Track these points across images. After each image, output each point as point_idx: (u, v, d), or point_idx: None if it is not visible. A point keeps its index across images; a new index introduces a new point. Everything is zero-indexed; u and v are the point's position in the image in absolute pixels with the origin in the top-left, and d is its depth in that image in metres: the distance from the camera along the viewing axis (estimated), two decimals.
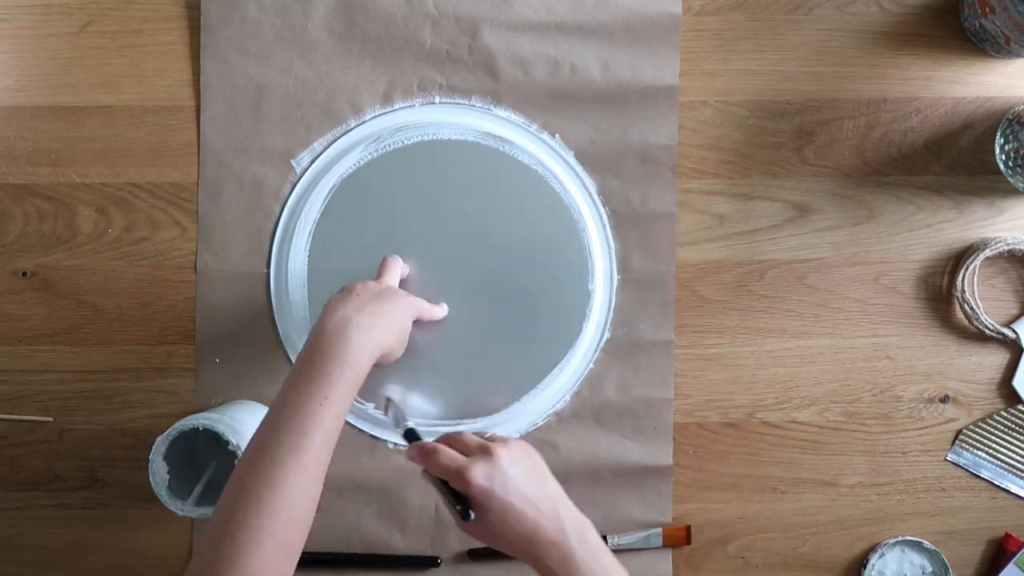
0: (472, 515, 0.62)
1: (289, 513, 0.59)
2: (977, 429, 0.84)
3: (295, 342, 0.82)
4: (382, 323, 0.68)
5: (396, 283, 0.77)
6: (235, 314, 0.82)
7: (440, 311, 0.80)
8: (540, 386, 0.82)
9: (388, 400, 0.74)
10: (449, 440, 0.66)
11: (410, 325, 0.75)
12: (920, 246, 0.84)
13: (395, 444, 0.82)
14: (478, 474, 0.62)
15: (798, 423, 0.84)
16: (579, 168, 0.83)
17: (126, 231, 0.83)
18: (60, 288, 0.83)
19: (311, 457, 0.61)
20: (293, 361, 0.82)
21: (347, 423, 0.82)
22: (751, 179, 0.84)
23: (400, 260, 0.79)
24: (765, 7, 0.84)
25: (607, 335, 0.83)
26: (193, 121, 0.83)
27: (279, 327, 0.82)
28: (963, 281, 0.82)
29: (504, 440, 0.65)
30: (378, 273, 0.77)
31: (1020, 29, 0.77)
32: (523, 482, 0.63)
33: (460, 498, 0.63)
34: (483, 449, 0.63)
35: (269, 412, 0.64)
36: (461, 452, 0.64)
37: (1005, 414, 0.84)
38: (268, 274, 0.82)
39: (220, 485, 0.76)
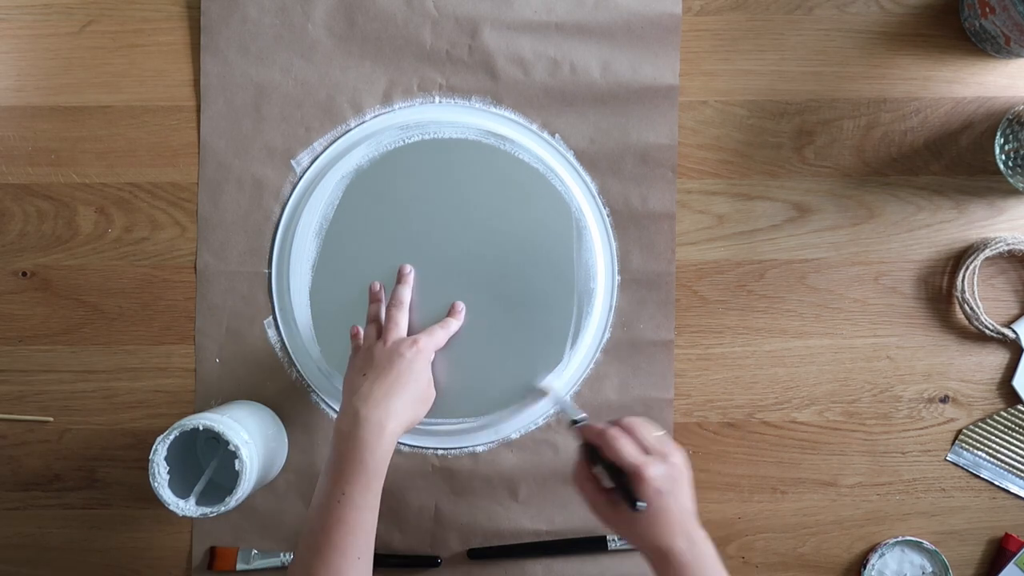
0: (642, 505, 0.65)
1: None
2: (977, 429, 0.84)
3: (294, 342, 0.82)
4: (394, 406, 0.71)
5: (405, 320, 0.78)
6: (235, 314, 0.82)
7: (455, 323, 0.80)
8: (551, 378, 0.82)
9: (546, 392, 0.77)
10: (627, 429, 0.68)
11: (429, 373, 0.76)
12: (920, 246, 0.84)
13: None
14: (657, 476, 0.65)
15: (798, 423, 0.84)
16: (579, 168, 0.83)
17: (126, 231, 0.83)
18: (60, 288, 0.83)
19: (336, 551, 0.66)
20: (293, 361, 0.83)
21: None
22: (751, 179, 0.84)
23: (412, 276, 0.81)
24: (765, 7, 0.84)
25: (607, 335, 0.83)
26: (193, 121, 0.83)
27: (280, 327, 0.82)
28: (963, 281, 0.82)
29: (677, 447, 0.68)
30: (389, 302, 0.79)
31: (1020, 29, 0.77)
32: (684, 494, 0.67)
33: (624, 487, 0.66)
34: (661, 452, 0.67)
35: (309, 507, 0.70)
36: (639, 445, 0.67)
37: (1005, 414, 0.84)
38: (269, 274, 0.82)
39: (220, 485, 0.76)
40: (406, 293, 0.80)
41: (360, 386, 0.72)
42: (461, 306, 0.81)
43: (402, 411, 0.72)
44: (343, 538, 0.67)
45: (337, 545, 0.66)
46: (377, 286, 0.81)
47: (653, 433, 0.69)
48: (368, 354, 0.75)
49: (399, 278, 0.81)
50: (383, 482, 0.70)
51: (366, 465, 0.69)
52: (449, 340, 0.80)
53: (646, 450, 0.67)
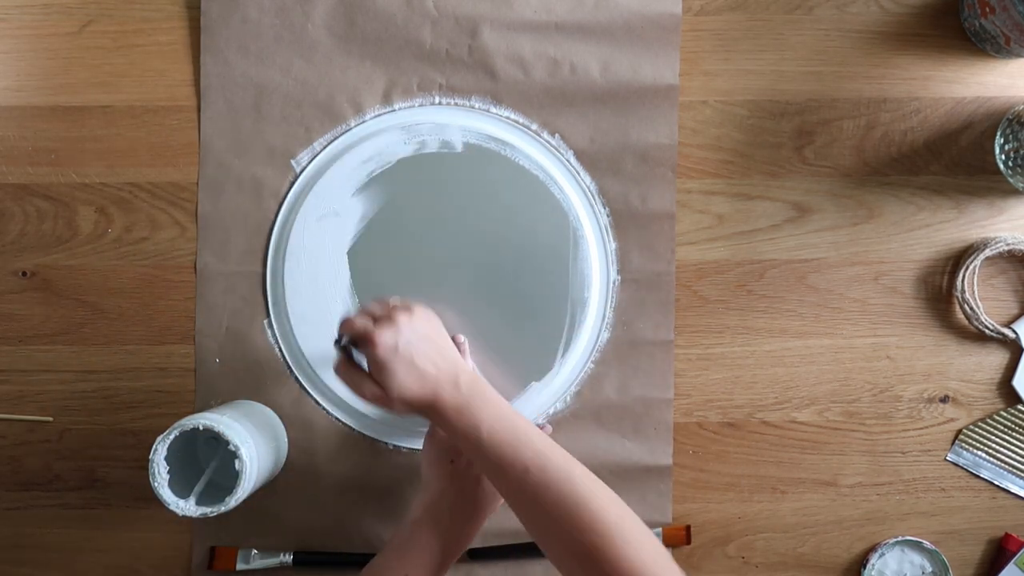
0: (370, 361, 0.67)
1: None
2: (977, 429, 0.84)
3: (291, 342, 0.82)
4: (476, 512, 0.75)
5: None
6: (235, 314, 0.82)
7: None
8: (539, 386, 0.82)
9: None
10: (361, 309, 0.72)
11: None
12: (920, 246, 0.84)
13: (395, 445, 0.82)
14: (384, 336, 0.67)
15: (798, 423, 0.84)
16: (579, 168, 0.83)
17: (126, 231, 0.83)
18: (60, 288, 0.83)
19: None
20: (290, 361, 0.82)
21: (346, 424, 0.82)
22: (751, 179, 0.84)
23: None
24: (765, 7, 0.84)
25: (607, 335, 0.83)
26: (193, 121, 0.83)
27: (275, 327, 0.82)
28: (963, 281, 0.82)
29: (407, 306, 0.70)
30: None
31: (1020, 29, 0.77)
32: (423, 343, 0.68)
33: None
34: (388, 315, 0.69)
35: (364, 571, 0.72)
36: (370, 317, 0.70)
37: (1005, 414, 0.84)
38: (264, 273, 0.82)
39: (220, 485, 0.76)
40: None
41: (446, 480, 0.75)
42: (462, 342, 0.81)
43: (481, 512, 0.75)
44: None
45: None
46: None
47: (388, 301, 0.71)
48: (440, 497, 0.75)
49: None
50: (447, 571, 0.73)
51: (435, 557, 0.72)
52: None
53: (376, 320, 0.69)
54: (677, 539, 0.82)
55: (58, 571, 0.83)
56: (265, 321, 0.82)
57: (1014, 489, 0.84)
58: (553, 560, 0.66)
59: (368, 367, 0.69)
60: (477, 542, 0.82)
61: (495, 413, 0.68)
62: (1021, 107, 0.82)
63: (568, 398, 0.83)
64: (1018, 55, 0.82)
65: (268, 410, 0.82)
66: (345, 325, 0.70)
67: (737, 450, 0.84)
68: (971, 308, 0.82)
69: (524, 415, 0.82)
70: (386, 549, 0.72)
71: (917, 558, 0.83)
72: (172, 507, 0.72)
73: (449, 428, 0.69)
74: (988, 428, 0.84)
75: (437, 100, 0.83)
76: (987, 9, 0.79)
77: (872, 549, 0.83)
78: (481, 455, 0.67)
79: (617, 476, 0.82)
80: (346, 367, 0.70)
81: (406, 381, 0.67)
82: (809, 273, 0.84)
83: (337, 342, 0.71)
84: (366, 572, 0.71)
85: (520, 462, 0.66)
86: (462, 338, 0.80)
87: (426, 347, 0.68)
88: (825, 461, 0.84)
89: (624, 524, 0.63)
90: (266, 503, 0.82)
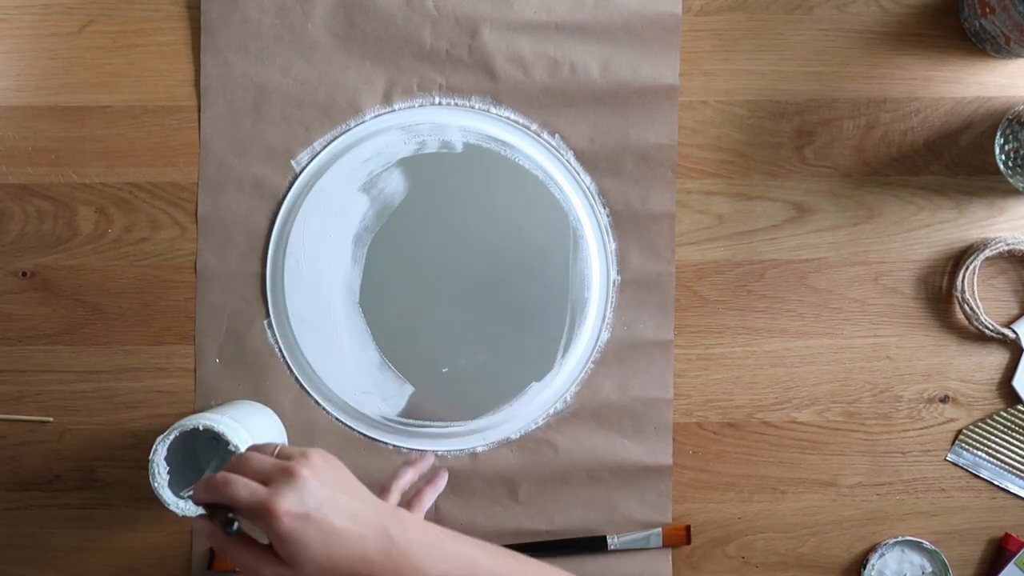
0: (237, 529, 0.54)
1: None
2: (977, 429, 0.84)
3: (291, 342, 0.82)
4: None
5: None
6: (235, 314, 0.82)
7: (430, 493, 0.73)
8: (539, 386, 0.82)
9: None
10: (234, 467, 0.55)
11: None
12: (920, 246, 0.84)
13: (395, 445, 0.82)
14: (287, 501, 0.52)
15: (798, 423, 0.84)
16: (579, 168, 0.83)
17: (126, 231, 0.83)
18: (60, 288, 0.83)
19: None
20: (290, 362, 0.82)
21: (346, 424, 0.82)
22: (751, 179, 0.84)
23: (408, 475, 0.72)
24: (765, 7, 0.84)
25: (607, 335, 0.83)
26: (193, 121, 0.83)
27: (275, 327, 0.82)
28: (963, 281, 0.82)
29: (301, 452, 0.55)
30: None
31: (1020, 29, 0.77)
32: (338, 498, 0.54)
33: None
34: (284, 472, 0.53)
35: None
36: (254, 479, 0.54)
37: (1005, 414, 0.84)
38: (263, 274, 0.82)
39: None
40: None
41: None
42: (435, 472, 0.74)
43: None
44: None
45: None
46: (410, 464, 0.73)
47: (271, 451, 0.56)
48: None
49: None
50: None
51: None
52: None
53: (266, 479, 0.53)
54: (677, 539, 0.82)
55: (58, 571, 0.83)
56: (265, 321, 0.83)
57: (1014, 489, 0.84)
58: None
59: (268, 540, 0.53)
60: None
61: (440, 555, 0.55)
62: (1021, 107, 0.82)
63: (568, 398, 0.83)
64: (1018, 55, 0.82)
65: (268, 410, 0.82)
66: (218, 492, 0.53)
67: (737, 450, 0.84)
68: (971, 308, 0.82)
69: (524, 417, 0.82)
70: None
71: (917, 558, 0.83)
72: (172, 507, 0.72)
73: None
74: (988, 428, 0.84)
75: (437, 100, 0.83)
76: (987, 9, 0.79)
77: (872, 549, 0.83)
78: None
79: (617, 476, 0.82)
80: (235, 546, 0.54)
81: (323, 552, 0.52)
82: (809, 273, 0.84)
83: (216, 517, 0.55)
84: None
85: None
86: (437, 465, 0.74)
87: (342, 501, 0.53)
88: (825, 461, 0.84)
89: None
90: None
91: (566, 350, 0.82)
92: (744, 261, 0.84)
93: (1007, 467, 0.84)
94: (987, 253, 0.82)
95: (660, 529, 0.82)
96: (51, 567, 0.83)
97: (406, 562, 0.54)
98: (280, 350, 0.83)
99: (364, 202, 0.82)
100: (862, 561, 0.84)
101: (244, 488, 0.53)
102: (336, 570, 0.53)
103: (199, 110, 0.83)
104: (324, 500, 0.53)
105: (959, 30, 0.84)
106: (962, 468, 0.84)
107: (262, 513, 0.52)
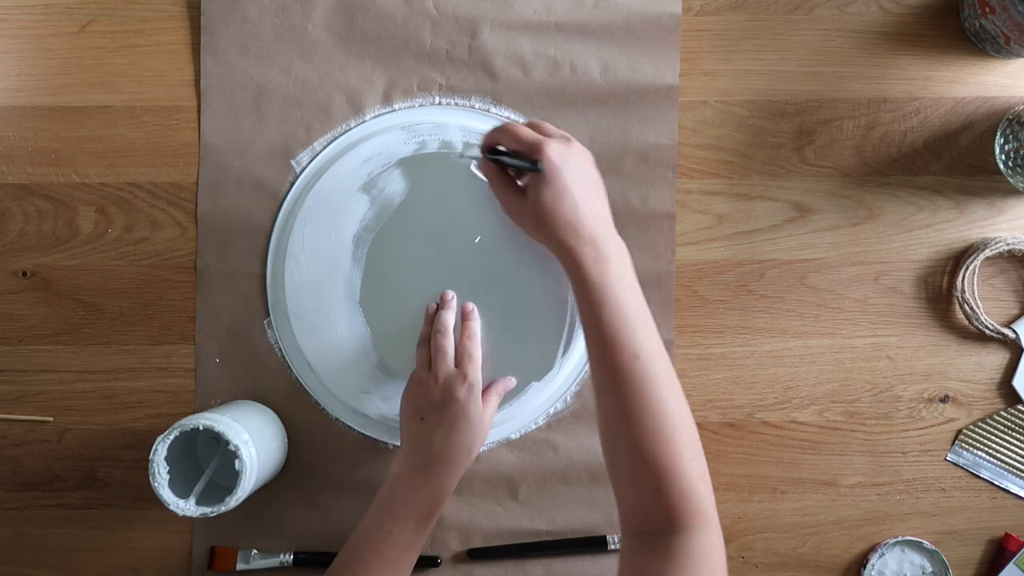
0: (543, 167, 0.67)
1: None
2: (977, 429, 0.84)
3: (291, 342, 0.82)
4: (451, 457, 0.72)
5: (451, 346, 0.77)
6: (235, 314, 0.82)
7: (474, 324, 0.79)
8: (539, 386, 0.82)
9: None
10: (530, 124, 0.71)
11: (481, 409, 0.75)
12: (920, 246, 0.84)
13: (394, 445, 0.82)
14: (555, 150, 0.67)
15: (798, 423, 0.84)
16: None
17: (126, 231, 0.83)
18: (60, 288, 0.83)
19: None
20: (290, 361, 0.82)
21: (346, 424, 0.82)
22: (751, 179, 0.84)
23: (454, 302, 0.80)
24: (765, 7, 0.84)
25: None
26: (193, 121, 0.83)
27: (275, 327, 0.82)
28: (963, 281, 0.82)
29: (571, 139, 0.70)
30: (434, 328, 0.78)
31: (1020, 29, 0.77)
32: (586, 178, 0.69)
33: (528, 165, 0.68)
34: (563, 137, 0.69)
35: (352, 535, 0.71)
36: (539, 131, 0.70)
37: (1005, 414, 0.84)
38: (263, 274, 0.82)
39: (220, 485, 0.76)
40: (449, 318, 0.79)
41: (420, 433, 0.73)
42: (451, 294, 0.80)
43: (458, 461, 0.72)
44: (379, 574, 0.69)
45: None
46: (433, 307, 0.80)
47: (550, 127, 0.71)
48: (423, 392, 0.75)
49: (441, 303, 0.80)
50: (432, 525, 0.72)
51: (419, 511, 0.71)
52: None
53: (547, 134, 0.69)
54: None
55: (58, 571, 0.83)
56: (265, 321, 0.83)
57: (1014, 489, 0.84)
58: (608, 445, 0.66)
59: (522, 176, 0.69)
60: (477, 542, 0.82)
61: (628, 285, 0.67)
62: (1021, 107, 0.82)
63: (568, 398, 0.83)
64: (1018, 55, 0.82)
65: (268, 410, 0.82)
66: (514, 134, 0.69)
67: (737, 450, 0.84)
68: (971, 308, 0.82)
69: (524, 417, 0.82)
70: (370, 509, 0.72)
71: (917, 558, 0.83)
72: (172, 507, 0.72)
73: (576, 273, 0.67)
74: (988, 428, 0.84)
75: (437, 100, 0.83)
76: (987, 9, 0.79)
77: (872, 549, 0.83)
78: (596, 322, 0.66)
79: None
80: (496, 172, 0.71)
81: (557, 200, 0.67)
82: (809, 273, 0.84)
83: (491, 150, 0.71)
84: (352, 538, 0.71)
85: (633, 347, 0.65)
86: (471, 306, 0.80)
87: (587, 183, 0.69)
88: (825, 461, 0.84)
89: (692, 467, 0.63)
90: (266, 503, 0.82)
91: (566, 350, 0.82)
92: (744, 261, 0.84)
93: (1007, 467, 0.84)
94: (987, 253, 0.82)
95: None
96: (51, 567, 0.83)
97: (605, 259, 0.67)
98: (280, 350, 0.83)
99: (364, 202, 0.82)
100: (862, 561, 0.84)
101: (526, 131, 0.69)
102: (552, 223, 0.67)
103: (199, 110, 0.83)
104: (579, 169, 0.68)
105: (959, 30, 0.84)
106: (962, 468, 0.84)
107: (536, 149, 0.67)
